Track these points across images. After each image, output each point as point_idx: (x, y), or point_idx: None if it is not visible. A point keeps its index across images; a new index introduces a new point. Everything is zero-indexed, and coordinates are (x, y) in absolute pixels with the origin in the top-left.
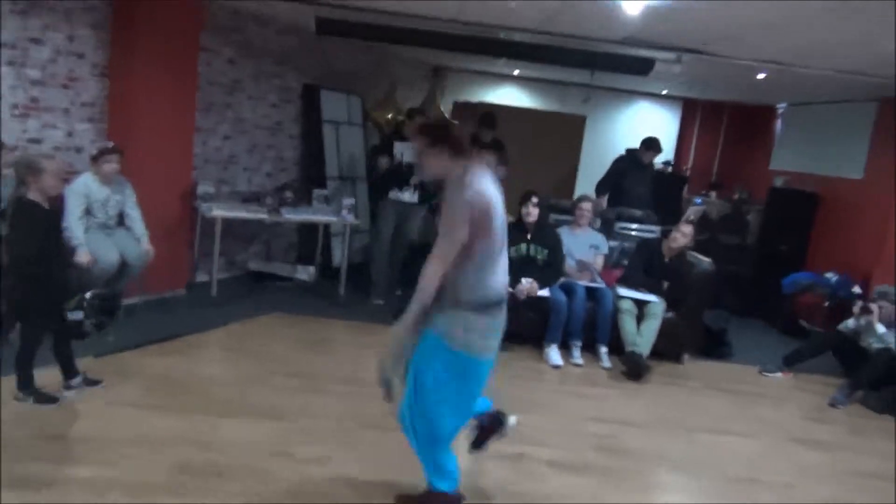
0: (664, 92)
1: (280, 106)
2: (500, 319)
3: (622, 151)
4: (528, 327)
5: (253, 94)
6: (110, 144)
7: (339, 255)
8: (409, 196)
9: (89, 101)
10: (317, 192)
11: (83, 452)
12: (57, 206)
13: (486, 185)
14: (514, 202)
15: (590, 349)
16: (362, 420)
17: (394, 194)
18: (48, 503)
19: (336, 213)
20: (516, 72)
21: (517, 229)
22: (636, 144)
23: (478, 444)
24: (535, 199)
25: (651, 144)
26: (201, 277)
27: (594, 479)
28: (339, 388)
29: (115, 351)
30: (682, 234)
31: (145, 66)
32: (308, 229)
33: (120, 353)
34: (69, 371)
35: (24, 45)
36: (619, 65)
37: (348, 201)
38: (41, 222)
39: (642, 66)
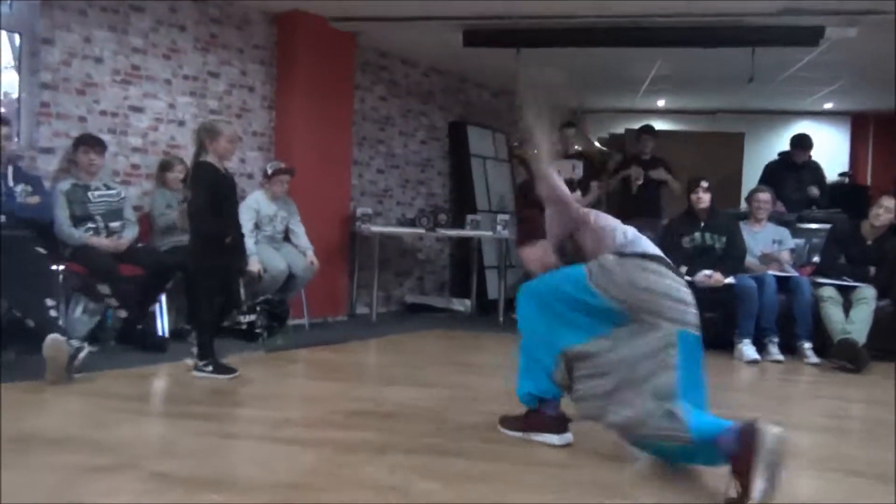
0: (827, 106)
1: (429, 143)
2: None
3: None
4: (709, 329)
5: (403, 129)
6: (284, 164)
7: (495, 289)
8: None
9: (259, 131)
10: (470, 217)
11: (255, 401)
12: (231, 174)
13: None
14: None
15: (786, 350)
16: None
17: None
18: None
19: (491, 228)
20: (660, 103)
21: (688, 218)
22: None
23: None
24: (704, 184)
25: (800, 142)
26: (361, 310)
27: None
28: (503, 373)
29: (283, 349)
30: (886, 209)
31: (306, 100)
32: (462, 267)
33: (287, 350)
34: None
35: (204, 77)
36: (783, 37)
37: (503, 217)
38: (217, 182)
39: (811, 36)
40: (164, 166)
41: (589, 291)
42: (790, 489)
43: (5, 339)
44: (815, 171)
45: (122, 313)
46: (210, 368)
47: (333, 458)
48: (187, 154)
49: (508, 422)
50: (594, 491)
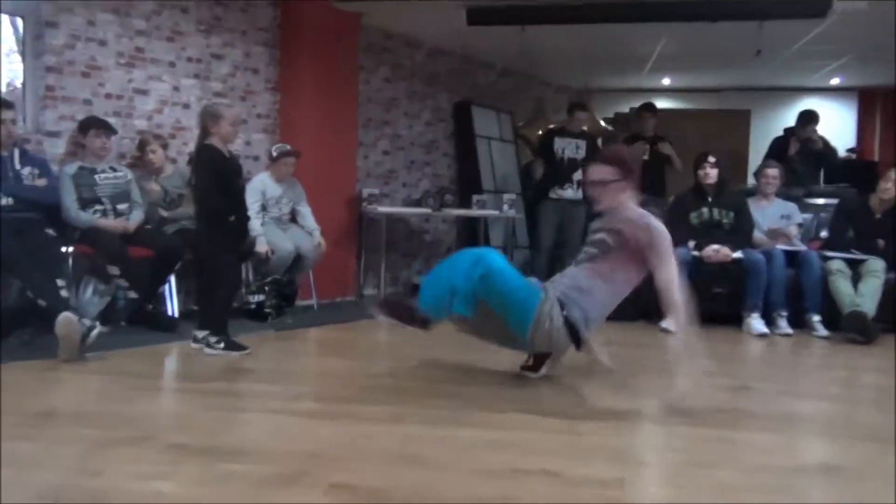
0: (835, 82)
1: (434, 124)
2: None
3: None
4: (717, 304)
5: (408, 111)
6: (289, 147)
7: None
8: (571, 193)
9: (264, 114)
10: (476, 197)
11: (269, 377)
12: (236, 157)
13: None
14: None
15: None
16: None
17: (554, 193)
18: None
19: (497, 208)
20: (666, 81)
21: (696, 193)
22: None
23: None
24: (712, 159)
25: (807, 117)
26: (368, 292)
27: None
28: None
29: (292, 328)
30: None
31: (311, 82)
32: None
33: (296, 329)
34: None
35: (208, 59)
36: (791, 9)
37: (509, 196)
38: (221, 165)
39: (819, 8)
40: (141, 145)
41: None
42: (804, 453)
43: (19, 320)
44: (820, 147)
45: (133, 294)
46: (222, 345)
47: (349, 429)
48: (193, 136)
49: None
50: (606, 456)
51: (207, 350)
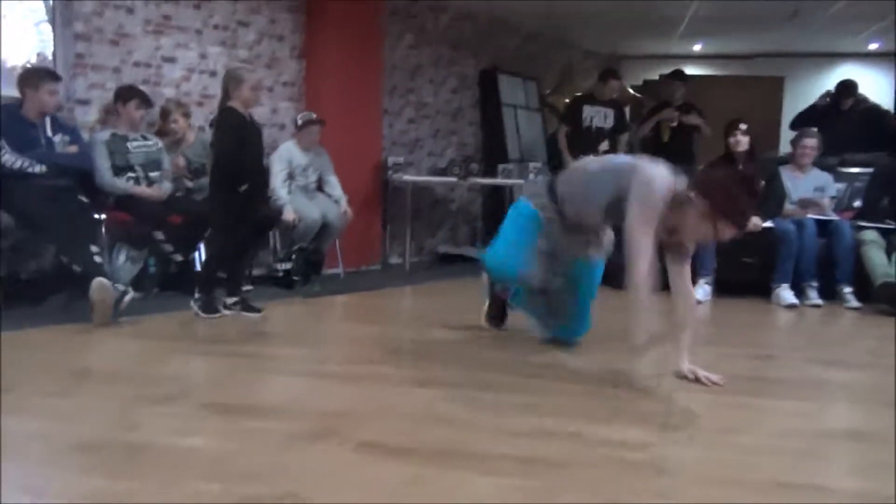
0: (873, 47)
1: (460, 92)
2: None
3: None
4: (746, 274)
5: (433, 78)
6: (314, 115)
7: None
8: None
9: (290, 81)
10: (501, 166)
11: (297, 342)
12: (257, 122)
13: None
14: None
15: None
16: None
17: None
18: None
19: (523, 177)
20: (697, 47)
21: (726, 161)
22: None
23: None
24: (743, 126)
25: (844, 89)
26: (394, 260)
27: None
28: None
29: (319, 295)
30: None
31: (336, 49)
32: (494, 216)
33: (323, 296)
34: (232, 288)
35: (234, 27)
36: None
37: (535, 165)
38: (240, 127)
39: None
40: (163, 114)
41: None
42: (829, 419)
43: (54, 284)
44: (869, 112)
45: (178, 257)
46: (199, 304)
47: (376, 391)
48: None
49: None
50: (630, 420)
51: (192, 303)
